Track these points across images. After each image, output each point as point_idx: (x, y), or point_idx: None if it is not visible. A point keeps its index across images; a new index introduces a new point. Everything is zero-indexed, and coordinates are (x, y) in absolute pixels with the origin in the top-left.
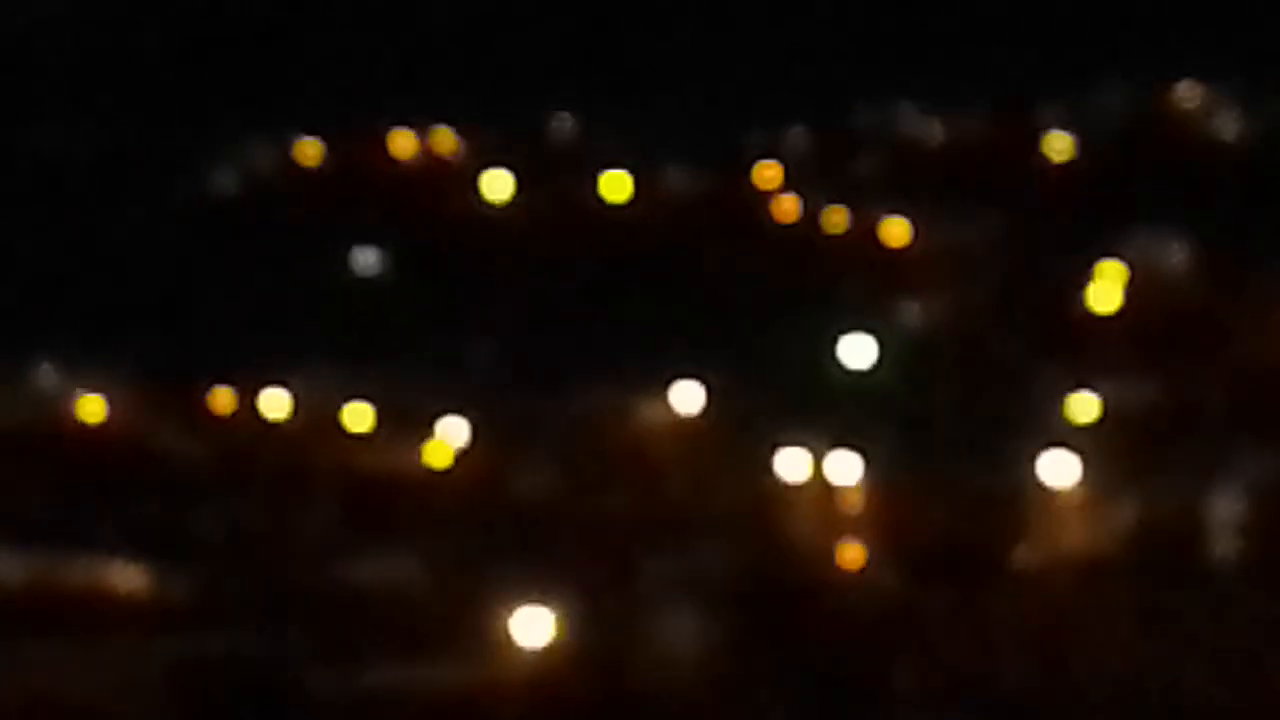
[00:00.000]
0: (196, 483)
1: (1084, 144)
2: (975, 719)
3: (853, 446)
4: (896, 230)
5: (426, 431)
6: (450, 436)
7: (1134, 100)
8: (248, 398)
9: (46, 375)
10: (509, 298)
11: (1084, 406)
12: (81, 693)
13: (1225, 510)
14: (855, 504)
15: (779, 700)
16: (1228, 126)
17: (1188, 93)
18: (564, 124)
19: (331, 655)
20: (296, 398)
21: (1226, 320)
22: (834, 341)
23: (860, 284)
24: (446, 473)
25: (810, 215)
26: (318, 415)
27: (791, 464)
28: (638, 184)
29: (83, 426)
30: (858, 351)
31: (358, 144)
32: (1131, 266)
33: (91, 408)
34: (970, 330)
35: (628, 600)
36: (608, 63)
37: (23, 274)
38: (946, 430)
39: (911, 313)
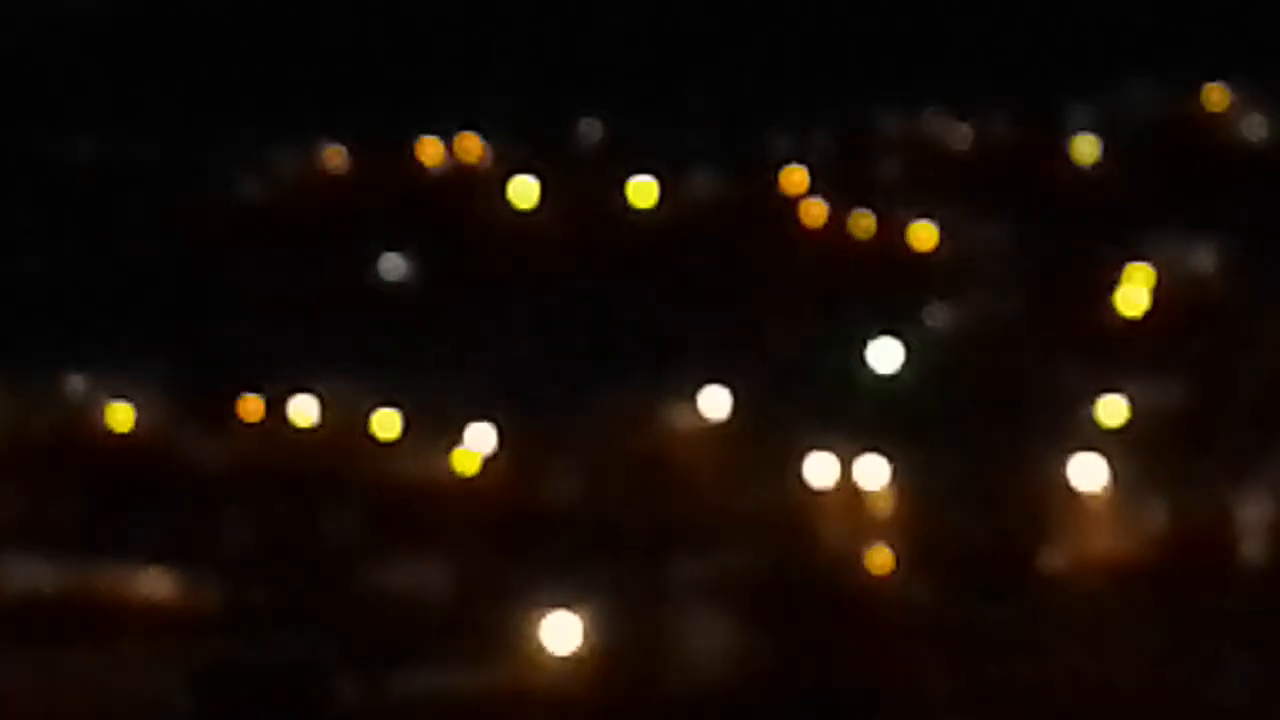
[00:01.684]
0: (225, 490)
1: (1111, 147)
2: None
3: (881, 451)
4: (924, 234)
5: (454, 438)
6: (478, 443)
7: (1161, 103)
8: (276, 405)
9: (75, 384)
10: (536, 304)
11: (1112, 410)
12: (110, 698)
13: (1255, 513)
14: (883, 508)
15: (807, 705)
16: (1255, 129)
17: (1215, 95)
18: (590, 129)
19: (360, 661)
20: (324, 405)
21: (1254, 323)
22: (862, 346)
23: (888, 288)
24: (474, 479)
25: (837, 219)
26: (346, 422)
27: (819, 469)
28: (664, 189)
29: (111, 435)
30: (885, 356)
31: (384, 150)
32: (1159, 270)
33: (120, 416)
34: (998, 334)
35: (656, 606)
36: (634, 68)
37: (50, 283)
38: (974, 434)
39: (939, 317)
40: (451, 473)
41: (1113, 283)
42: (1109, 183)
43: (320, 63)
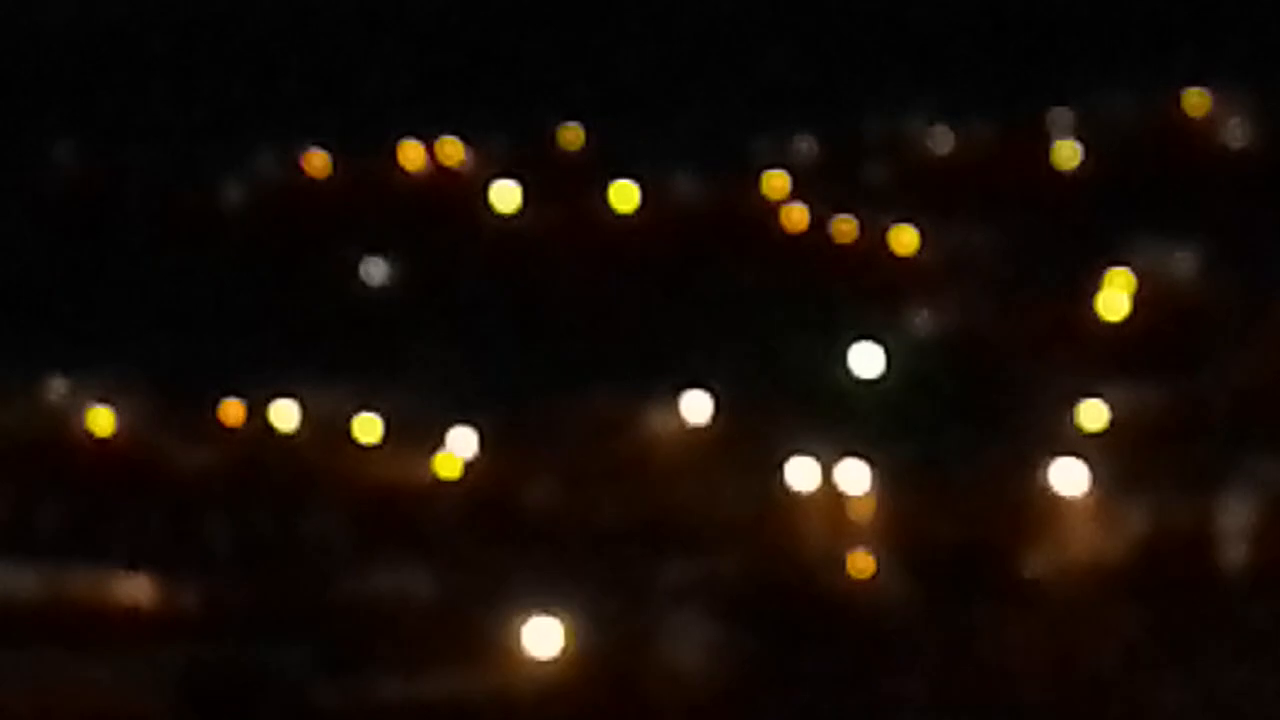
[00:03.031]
0: (206, 494)
1: (1092, 151)
2: None
3: (862, 455)
4: (905, 238)
5: (436, 442)
6: (459, 447)
7: (1142, 108)
8: (257, 409)
9: (56, 388)
10: (517, 308)
11: (1093, 414)
12: (90, 704)
13: (1235, 517)
14: (865, 513)
15: (789, 710)
16: (1236, 134)
17: (1196, 100)
18: (572, 134)
19: (341, 667)
20: (306, 409)
21: (1235, 327)
22: (843, 350)
23: (869, 293)
24: (456, 483)
25: (819, 224)
26: (327, 426)
27: (801, 473)
28: (646, 193)
29: (92, 439)
30: (867, 360)
31: (366, 155)
32: (1140, 274)
33: (101, 420)
34: (979, 338)
35: (638, 610)
36: (615, 72)
37: (32, 286)
38: (955, 438)
39: (920, 321)
40: (433, 477)
41: (1094, 287)
42: (1090, 187)
43: (302, 67)
